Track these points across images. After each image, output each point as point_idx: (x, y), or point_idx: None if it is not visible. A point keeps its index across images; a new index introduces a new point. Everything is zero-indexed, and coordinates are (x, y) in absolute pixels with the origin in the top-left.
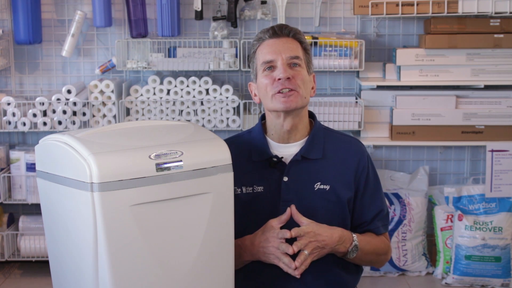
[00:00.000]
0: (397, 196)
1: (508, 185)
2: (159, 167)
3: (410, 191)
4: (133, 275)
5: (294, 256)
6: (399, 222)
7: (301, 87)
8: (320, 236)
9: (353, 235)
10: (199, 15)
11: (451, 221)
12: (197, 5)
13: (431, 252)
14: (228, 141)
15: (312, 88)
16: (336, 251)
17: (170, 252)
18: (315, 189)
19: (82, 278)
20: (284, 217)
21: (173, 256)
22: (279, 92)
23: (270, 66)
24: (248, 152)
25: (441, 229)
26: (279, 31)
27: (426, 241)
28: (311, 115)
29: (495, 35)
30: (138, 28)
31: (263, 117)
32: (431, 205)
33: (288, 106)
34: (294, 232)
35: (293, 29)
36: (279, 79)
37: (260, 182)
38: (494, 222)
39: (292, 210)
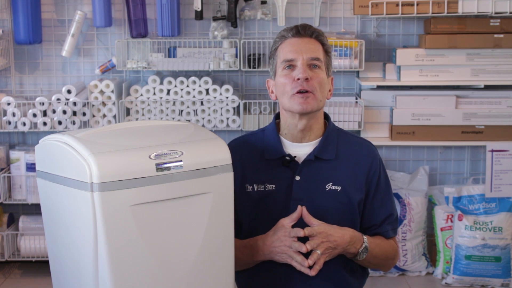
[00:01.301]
0: (397, 196)
1: (508, 185)
2: (159, 167)
3: (410, 191)
4: (133, 275)
5: (306, 256)
6: (399, 222)
7: (318, 90)
8: (332, 236)
9: (364, 236)
10: (199, 15)
11: (451, 221)
12: (197, 5)
13: (431, 252)
14: (241, 139)
15: (329, 90)
16: (347, 251)
17: (170, 252)
18: (327, 189)
19: (82, 278)
20: (295, 215)
21: (173, 256)
22: (297, 93)
23: (290, 65)
24: (261, 150)
25: (441, 229)
26: (302, 31)
27: (426, 241)
28: (325, 116)
29: (495, 35)
30: (138, 28)
31: (277, 116)
32: (431, 205)
33: (304, 108)
34: (307, 231)
35: (316, 30)
36: (298, 79)
37: (272, 180)
38: (494, 222)
39: (303, 211)
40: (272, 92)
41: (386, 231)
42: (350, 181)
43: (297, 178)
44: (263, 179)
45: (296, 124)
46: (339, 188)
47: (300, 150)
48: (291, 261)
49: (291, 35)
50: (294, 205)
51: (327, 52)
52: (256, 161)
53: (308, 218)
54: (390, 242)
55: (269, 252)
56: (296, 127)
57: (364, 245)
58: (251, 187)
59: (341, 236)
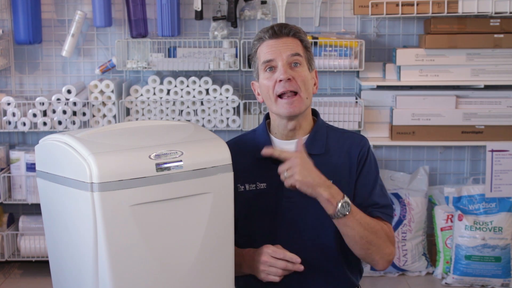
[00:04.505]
0: (397, 196)
1: (508, 185)
2: (159, 167)
3: (410, 191)
4: (133, 275)
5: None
6: (399, 222)
7: (302, 89)
8: (309, 163)
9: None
10: (199, 15)
11: (451, 221)
12: (197, 5)
13: (431, 252)
14: (232, 141)
15: (315, 84)
16: (322, 196)
17: (170, 252)
18: None
19: (82, 278)
20: (280, 253)
21: (173, 256)
22: (281, 95)
23: (271, 67)
24: (252, 150)
25: (441, 229)
26: (279, 31)
27: (426, 241)
28: (314, 113)
29: (495, 35)
30: (138, 28)
31: (267, 116)
32: (431, 205)
33: (292, 111)
34: (278, 152)
35: (293, 28)
36: (280, 80)
37: (263, 179)
38: (494, 222)
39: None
40: (259, 94)
41: (371, 211)
42: (341, 175)
43: None
44: (254, 178)
45: (285, 125)
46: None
47: (290, 147)
48: (270, 275)
49: (268, 37)
50: (286, 203)
51: (306, 47)
52: (247, 161)
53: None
54: (381, 222)
55: (256, 270)
56: (286, 127)
57: (344, 199)
58: (242, 187)
59: (316, 170)
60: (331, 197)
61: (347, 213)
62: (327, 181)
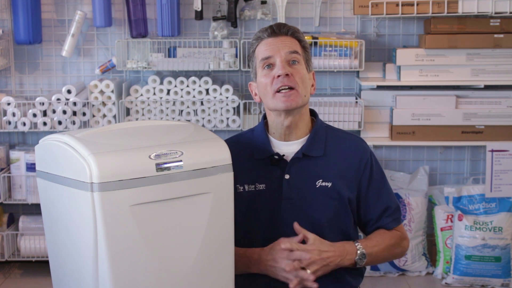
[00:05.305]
0: (397, 196)
1: (508, 185)
2: (159, 167)
3: (410, 191)
4: (133, 275)
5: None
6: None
7: (300, 85)
8: (324, 253)
9: (356, 244)
10: (199, 15)
11: (451, 221)
12: (197, 5)
13: (431, 252)
14: (231, 140)
15: (312, 85)
16: (342, 265)
17: (170, 252)
18: (317, 186)
19: (82, 278)
20: (296, 239)
21: (173, 256)
22: (279, 90)
23: (269, 64)
24: (250, 150)
25: (441, 229)
26: (278, 30)
27: (426, 241)
28: (313, 113)
29: (495, 35)
30: (138, 28)
31: (265, 116)
32: (431, 205)
33: (289, 105)
34: (295, 246)
35: (291, 27)
36: (278, 76)
37: (262, 180)
38: (494, 222)
39: (296, 227)
40: (256, 94)
41: (386, 223)
42: (340, 177)
43: (287, 176)
44: (253, 179)
45: (282, 122)
46: (329, 184)
47: (288, 148)
48: (285, 280)
49: (266, 35)
50: (286, 204)
51: (304, 48)
52: (245, 161)
53: (304, 232)
54: (392, 232)
55: (265, 269)
56: (282, 124)
57: (359, 252)
58: (242, 187)
59: (333, 252)
60: (350, 262)
61: (365, 259)
62: (341, 251)
